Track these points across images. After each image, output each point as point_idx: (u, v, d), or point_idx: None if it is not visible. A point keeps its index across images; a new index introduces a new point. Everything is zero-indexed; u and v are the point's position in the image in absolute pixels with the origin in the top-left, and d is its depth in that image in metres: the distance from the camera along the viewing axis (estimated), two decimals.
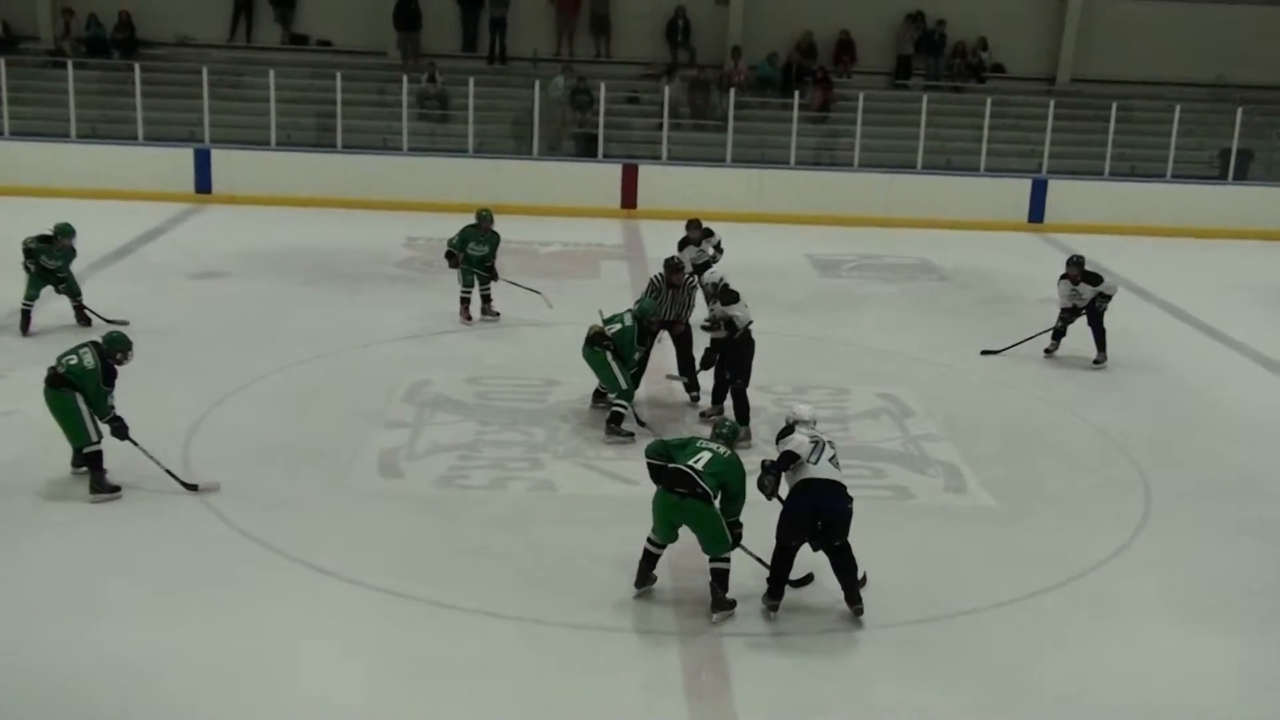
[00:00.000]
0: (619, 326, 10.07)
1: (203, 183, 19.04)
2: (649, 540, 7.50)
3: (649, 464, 7.48)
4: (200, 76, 19.37)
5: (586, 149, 20.18)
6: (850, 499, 7.34)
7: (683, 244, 12.85)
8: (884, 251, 17.46)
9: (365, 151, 19.68)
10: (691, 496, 7.23)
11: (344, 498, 8.79)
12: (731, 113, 19.85)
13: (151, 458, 8.66)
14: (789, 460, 7.39)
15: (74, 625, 6.95)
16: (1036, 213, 19.76)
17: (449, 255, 12.89)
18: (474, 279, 12.97)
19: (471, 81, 19.66)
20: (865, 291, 15.45)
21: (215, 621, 7.08)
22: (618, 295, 13.53)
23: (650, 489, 7.45)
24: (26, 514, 8.33)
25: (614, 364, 9.95)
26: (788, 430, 7.63)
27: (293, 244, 16.29)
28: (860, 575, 7.38)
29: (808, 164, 20.19)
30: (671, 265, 10.93)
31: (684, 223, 13.27)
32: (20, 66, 20.24)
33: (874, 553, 7.63)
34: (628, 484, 9.07)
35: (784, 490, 7.44)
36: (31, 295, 12.10)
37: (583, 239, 17.31)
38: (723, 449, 7.43)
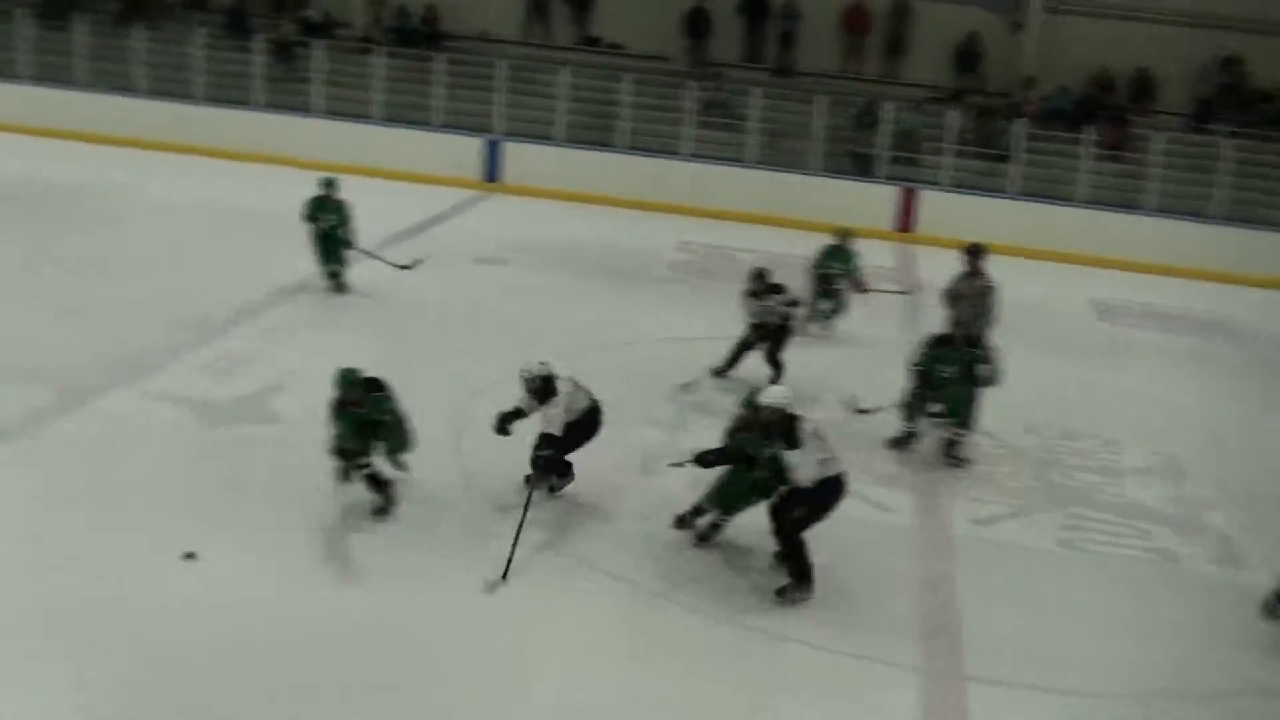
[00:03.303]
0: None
1: (491, 172, 19.79)
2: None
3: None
4: (497, 70, 20.13)
5: (865, 168, 19.98)
6: None
7: (750, 295, 11.55)
8: (1173, 302, 16.60)
9: (646, 154, 20.00)
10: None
11: (601, 491, 8.95)
12: (1019, 144, 19.30)
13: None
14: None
15: (344, 590, 7.32)
16: None
17: (822, 277, 13.38)
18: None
19: (756, 93, 19.75)
20: (1147, 342, 14.75)
21: (479, 603, 7.36)
22: (886, 318, 13.39)
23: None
24: (302, 471, 8.81)
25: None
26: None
27: (571, 237, 16.73)
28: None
29: (1097, 203, 19.43)
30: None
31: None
32: (335, 51, 21.43)
33: (1132, 620, 7.27)
34: (882, 511, 8.97)
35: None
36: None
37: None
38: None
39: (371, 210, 16.94)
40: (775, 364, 11.26)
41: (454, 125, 20.32)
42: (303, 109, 20.75)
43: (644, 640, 7.12)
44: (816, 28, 22.31)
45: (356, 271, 13.43)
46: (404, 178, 19.23)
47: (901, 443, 10.18)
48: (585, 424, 8.53)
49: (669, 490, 9.05)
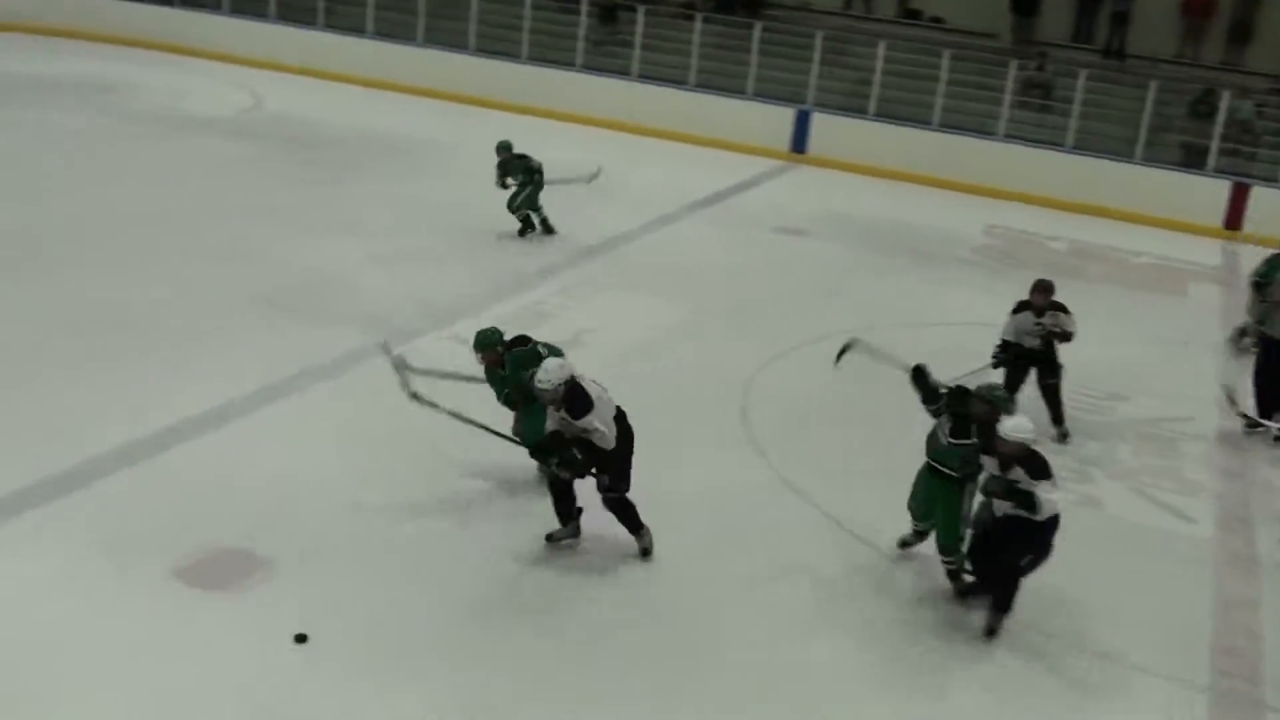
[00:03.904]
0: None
1: (798, 142, 19.74)
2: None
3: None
4: (813, 41, 20.04)
5: (1194, 160, 18.84)
6: None
7: (1019, 308, 9.71)
8: None
9: (959, 132, 19.48)
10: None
11: (885, 467, 8.83)
12: None
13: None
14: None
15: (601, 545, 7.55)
16: None
17: (1258, 285, 11.56)
18: None
19: (1082, 75, 18.92)
20: None
21: (745, 558, 7.46)
22: (1204, 320, 12.67)
23: None
24: None
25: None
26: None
27: (874, 213, 16.53)
28: None
29: None
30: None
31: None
32: (655, 16, 21.80)
33: None
34: (1185, 521, 8.52)
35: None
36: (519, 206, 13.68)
37: (1176, 254, 16.22)
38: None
39: (679, 175, 17.34)
40: (1052, 399, 9.71)
41: (766, 94, 20.36)
42: (621, 72, 21.23)
43: (922, 647, 6.93)
44: (1153, 10, 21.17)
45: (658, 239, 13.72)
46: (713, 145, 19.45)
47: None
48: (625, 436, 7.11)
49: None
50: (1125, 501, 8.83)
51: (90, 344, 9.56)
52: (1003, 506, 6.73)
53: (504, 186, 13.56)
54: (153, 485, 7.63)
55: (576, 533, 7.39)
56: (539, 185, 13.58)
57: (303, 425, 8.67)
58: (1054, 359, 9.61)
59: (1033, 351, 9.54)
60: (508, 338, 7.78)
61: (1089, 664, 6.81)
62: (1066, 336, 9.45)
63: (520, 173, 13.54)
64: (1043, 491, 6.59)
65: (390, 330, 10.43)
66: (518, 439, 7.78)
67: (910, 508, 7.52)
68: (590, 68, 21.44)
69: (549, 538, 7.34)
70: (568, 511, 7.34)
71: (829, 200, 17.01)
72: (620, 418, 7.08)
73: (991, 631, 6.93)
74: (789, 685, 6.36)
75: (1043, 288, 9.57)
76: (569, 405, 6.87)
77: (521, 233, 13.70)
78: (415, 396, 7.91)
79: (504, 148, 13.59)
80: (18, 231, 12.24)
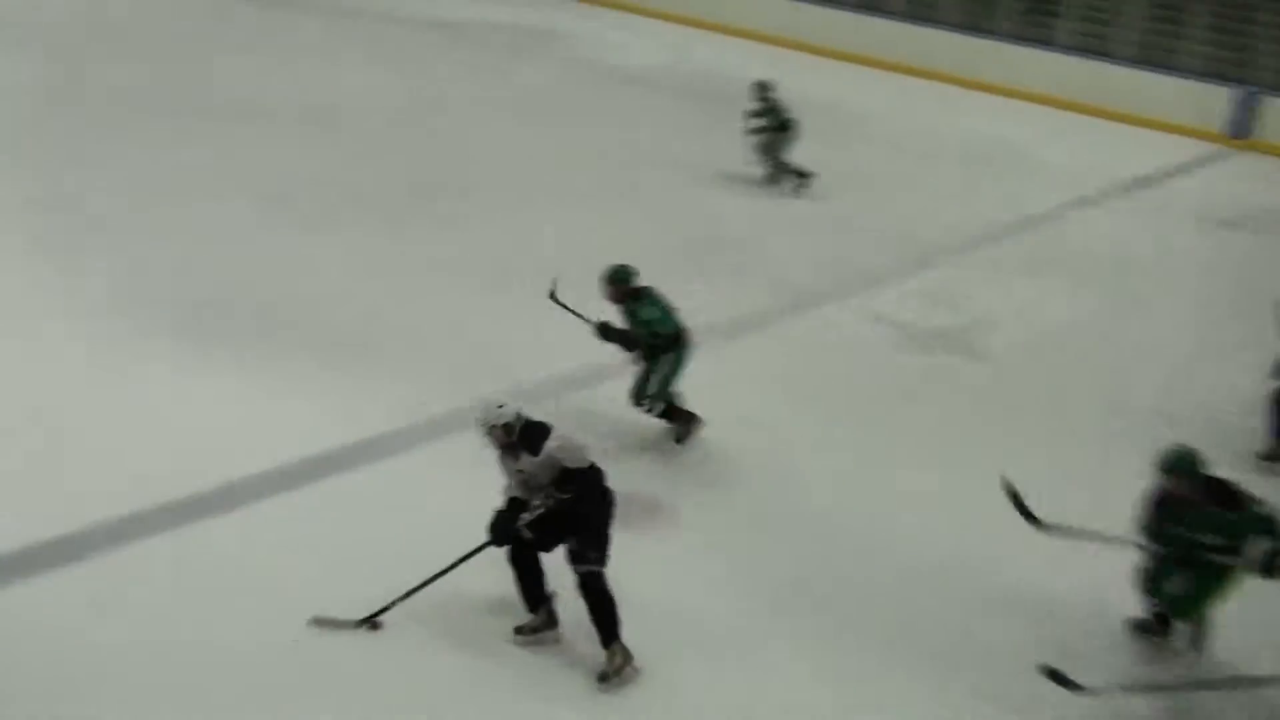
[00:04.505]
0: None
1: (1241, 126, 18.26)
2: None
3: None
4: (1268, 16, 18.49)
5: None
6: None
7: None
8: None
9: None
10: None
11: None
12: None
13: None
14: None
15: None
16: None
17: None
18: None
19: None
20: None
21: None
22: None
23: None
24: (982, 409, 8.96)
25: None
26: None
27: None
28: None
29: None
30: None
31: None
32: None
33: None
34: None
35: None
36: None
37: None
38: None
39: (1100, 155, 16.57)
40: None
41: (1207, 72, 18.96)
42: (1046, 42, 20.37)
43: None
44: None
45: (1074, 221, 13.21)
46: (1142, 123, 18.37)
47: None
48: (604, 497, 5.94)
49: None
50: None
51: (509, 286, 10.15)
52: None
53: (758, 131, 13.26)
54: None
55: (552, 622, 6.06)
56: (791, 135, 13.28)
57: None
58: None
59: None
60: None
61: None
62: None
63: (775, 117, 13.22)
64: None
65: (799, 293, 10.66)
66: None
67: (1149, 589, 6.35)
68: (1016, 36, 20.69)
69: (517, 631, 6.05)
70: (536, 593, 6.04)
71: (1273, 193, 15.69)
72: (597, 474, 5.92)
73: None
74: None
75: None
76: (527, 442, 5.80)
77: (773, 179, 13.45)
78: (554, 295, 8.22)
79: (765, 87, 13.30)
80: (457, 172, 13.28)
